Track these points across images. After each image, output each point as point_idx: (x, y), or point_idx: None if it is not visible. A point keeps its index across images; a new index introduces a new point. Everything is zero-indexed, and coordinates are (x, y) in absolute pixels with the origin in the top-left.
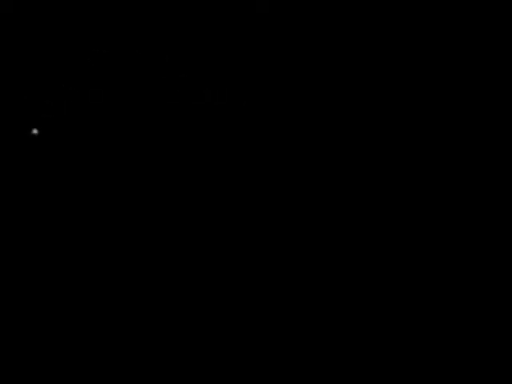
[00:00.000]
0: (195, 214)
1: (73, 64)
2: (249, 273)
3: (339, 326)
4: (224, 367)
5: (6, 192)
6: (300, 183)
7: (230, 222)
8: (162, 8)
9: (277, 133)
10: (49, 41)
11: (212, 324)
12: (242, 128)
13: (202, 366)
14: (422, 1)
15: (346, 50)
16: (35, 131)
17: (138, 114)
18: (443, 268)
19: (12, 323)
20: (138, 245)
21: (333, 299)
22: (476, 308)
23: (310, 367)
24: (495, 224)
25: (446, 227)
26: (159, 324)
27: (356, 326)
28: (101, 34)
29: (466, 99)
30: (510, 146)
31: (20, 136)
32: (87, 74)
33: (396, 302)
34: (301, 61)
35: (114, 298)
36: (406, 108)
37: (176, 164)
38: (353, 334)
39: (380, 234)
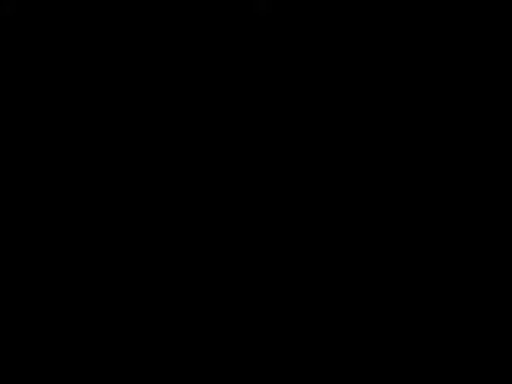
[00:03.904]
0: (195, 214)
1: (73, 64)
2: (249, 273)
3: (339, 325)
4: (224, 367)
5: (5, 192)
6: (300, 183)
7: (230, 221)
8: (161, 8)
9: (277, 134)
10: (51, 42)
11: (212, 324)
12: (242, 128)
13: (202, 366)
14: (422, 1)
15: (348, 51)
16: None
17: (138, 114)
18: (443, 268)
19: (12, 323)
20: (137, 244)
21: (333, 299)
22: (476, 308)
23: (310, 367)
24: (495, 224)
25: (447, 227)
26: (159, 324)
27: (356, 326)
28: (101, 34)
29: (466, 99)
30: (510, 146)
31: (21, 137)
32: (87, 73)
33: (396, 302)
34: (302, 62)
35: (114, 298)
36: (406, 108)
37: (176, 164)
38: (353, 334)
39: (380, 233)
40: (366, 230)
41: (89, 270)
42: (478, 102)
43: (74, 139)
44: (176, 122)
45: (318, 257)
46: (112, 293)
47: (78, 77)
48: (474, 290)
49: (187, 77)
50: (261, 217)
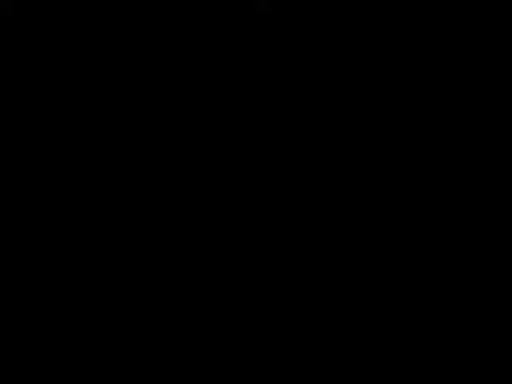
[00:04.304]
0: (195, 214)
1: (73, 64)
2: (249, 273)
3: (339, 325)
4: (224, 367)
5: (5, 193)
6: (300, 183)
7: (230, 222)
8: (162, 8)
9: (277, 133)
10: (51, 42)
11: (212, 324)
12: (242, 128)
13: (202, 366)
14: (423, 1)
15: (348, 51)
16: None
17: (139, 114)
18: (443, 268)
19: (12, 323)
20: (137, 245)
21: (333, 299)
22: (476, 308)
23: (309, 367)
24: (495, 224)
25: (447, 228)
26: (159, 324)
27: (356, 326)
28: (101, 35)
29: (466, 99)
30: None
31: (21, 137)
32: (88, 74)
33: (396, 302)
34: (302, 62)
35: (114, 298)
36: (405, 108)
37: (176, 164)
38: (353, 334)
39: (380, 233)
40: (366, 230)
41: (88, 269)
42: (478, 102)
43: (74, 139)
44: (176, 122)
45: (318, 257)
46: (112, 293)
47: (78, 77)
48: (473, 290)
49: (187, 77)
50: (260, 217)
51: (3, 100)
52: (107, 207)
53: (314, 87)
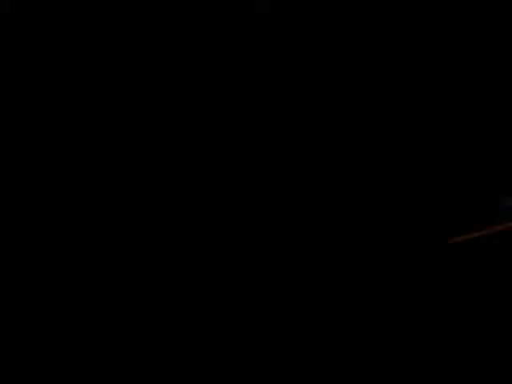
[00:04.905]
0: (195, 215)
1: (73, 64)
2: (249, 273)
3: (339, 326)
4: (224, 367)
5: (5, 193)
6: (300, 183)
7: (229, 222)
8: (162, 7)
9: (277, 136)
10: (50, 42)
11: (212, 324)
12: (242, 130)
13: (202, 366)
14: (423, 1)
15: (348, 51)
16: None
17: (138, 114)
18: (443, 267)
19: (12, 323)
20: (137, 244)
21: (333, 299)
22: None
23: (309, 367)
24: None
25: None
26: (159, 324)
27: (356, 327)
28: (100, 35)
29: (466, 99)
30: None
31: (21, 136)
32: (87, 73)
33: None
34: (301, 62)
35: (113, 298)
36: (405, 108)
37: (175, 163)
38: (353, 334)
39: (380, 233)
40: (366, 229)
41: (88, 270)
42: (478, 102)
43: (74, 139)
44: (175, 123)
45: (318, 257)
46: (112, 293)
47: (77, 77)
48: (473, 290)
49: (187, 76)
50: (260, 217)
51: (3, 99)
52: (107, 206)
53: (314, 87)
